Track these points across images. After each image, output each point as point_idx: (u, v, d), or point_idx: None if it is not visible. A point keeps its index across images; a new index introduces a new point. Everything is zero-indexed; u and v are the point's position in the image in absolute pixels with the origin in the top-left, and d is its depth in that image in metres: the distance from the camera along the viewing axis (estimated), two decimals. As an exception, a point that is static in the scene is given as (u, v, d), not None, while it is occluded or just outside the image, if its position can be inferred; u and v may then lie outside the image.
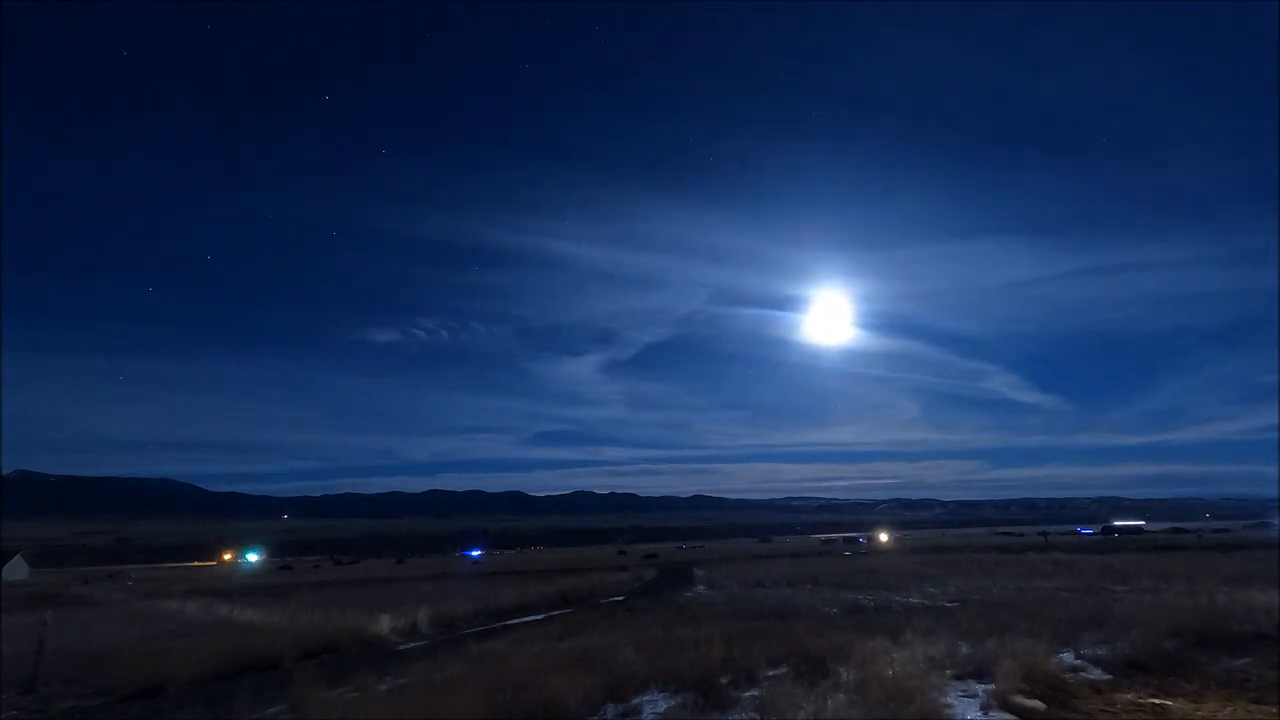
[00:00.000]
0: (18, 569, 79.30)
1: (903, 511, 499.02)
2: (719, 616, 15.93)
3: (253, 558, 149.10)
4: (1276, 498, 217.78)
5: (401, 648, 14.75)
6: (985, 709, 6.66)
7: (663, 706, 7.32)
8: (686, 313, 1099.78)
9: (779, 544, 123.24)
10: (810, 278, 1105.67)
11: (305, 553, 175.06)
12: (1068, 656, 8.80)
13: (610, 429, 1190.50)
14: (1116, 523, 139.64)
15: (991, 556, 40.49)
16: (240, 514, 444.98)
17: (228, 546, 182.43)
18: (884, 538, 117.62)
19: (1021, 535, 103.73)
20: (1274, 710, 6.26)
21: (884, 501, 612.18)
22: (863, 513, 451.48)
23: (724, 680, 8.08)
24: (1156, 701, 6.67)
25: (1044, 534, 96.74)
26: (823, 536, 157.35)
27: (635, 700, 7.57)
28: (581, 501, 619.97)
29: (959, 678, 7.91)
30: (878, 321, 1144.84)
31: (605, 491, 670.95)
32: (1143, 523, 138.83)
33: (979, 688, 7.38)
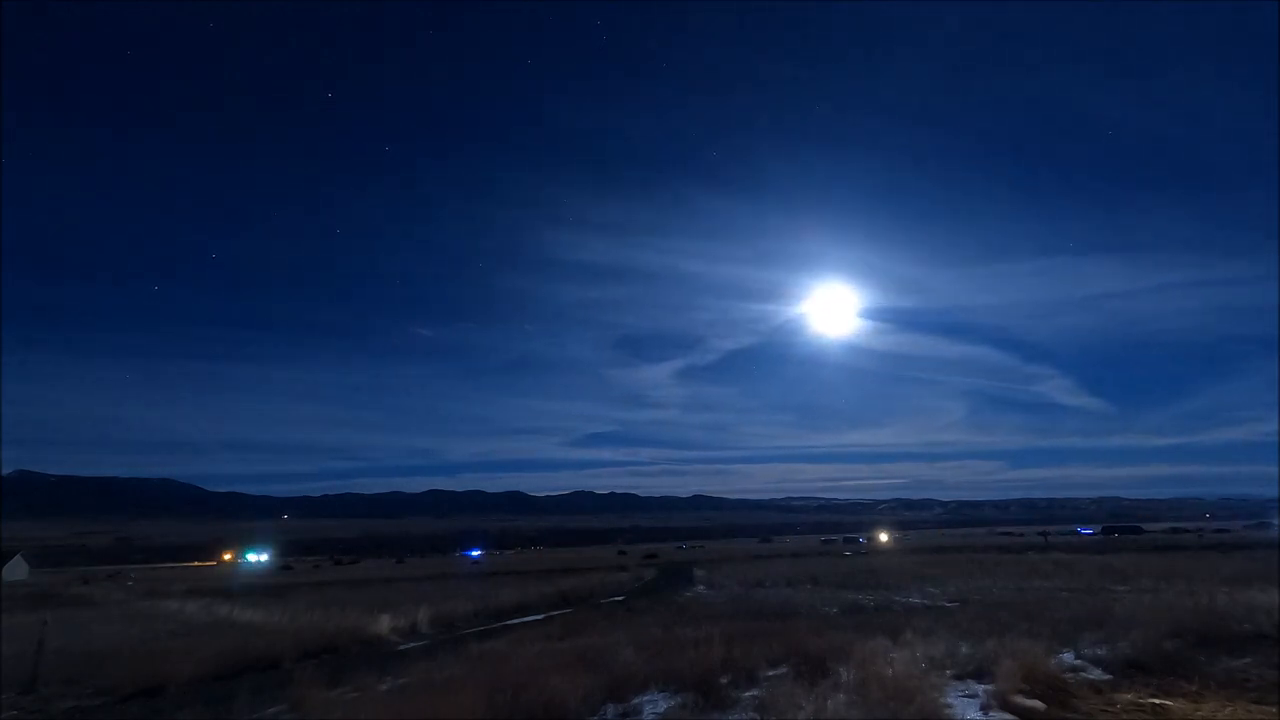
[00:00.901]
0: (18, 569, 79.32)
1: (903, 511, 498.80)
2: (719, 616, 15.93)
3: (254, 557, 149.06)
4: (1276, 498, 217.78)
5: (401, 648, 14.75)
6: (985, 709, 6.66)
7: (663, 706, 7.32)
8: (781, 322, 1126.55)
9: (779, 544, 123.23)
10: (893, 290, 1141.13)
11: (305, 553, 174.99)
12: (1068, 656, 8.80)
13: (656, 430, 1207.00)
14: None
15: (991, 556, 40.49)
16: (240, 514, 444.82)
17: (228, 546, 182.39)
18: (884, 538, 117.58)
19: (1021, 535, 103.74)
20: (1274, 710, 6.26)
21: (884, 501, 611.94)
22: (863, 513, 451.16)
23: (724, 680, 8.08)
24: (1156, 701, 6.67)
25: (1044, 534, 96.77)
26: (823, 537, 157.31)
27: (635, 700, 7.57)
28: (581, 501, 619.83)
29: (959, 678, 7.91)
30: (946, 329, 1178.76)
31: (605, 491, 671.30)
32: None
33: (979, 688, 7.38)
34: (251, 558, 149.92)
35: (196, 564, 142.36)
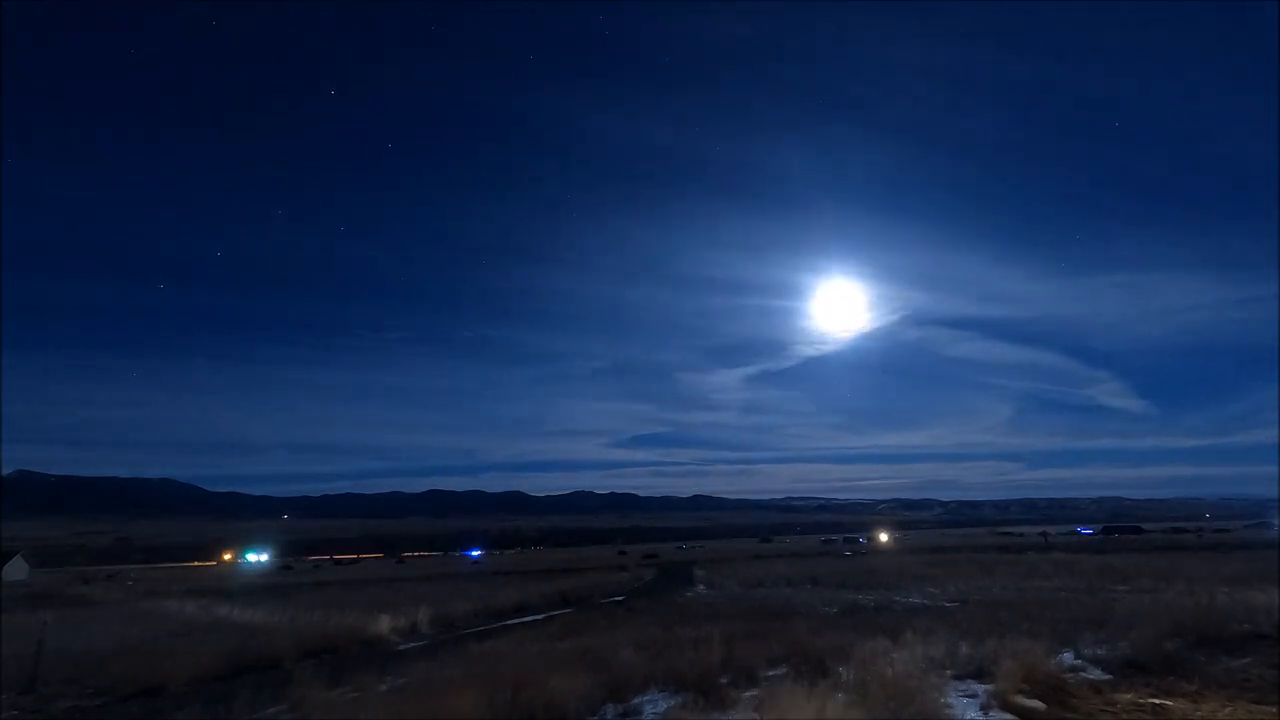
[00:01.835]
0: (18, 569, 79.28)
1: (903, 512, 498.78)
2: (719, 616, 15.94)
3: (254, 558, 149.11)
4: (1276, 498, 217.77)
5: (401, 648, 14.76)
6: (985, 709, 6.67)
7: (663, 706, 7.32)
8: (870, 330, 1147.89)
9: (779, 544, 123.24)
10: (970, 299, 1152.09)
11: (305, 553, 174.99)
12: (1068, 656, 8.80)
13: (704, 431, 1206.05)
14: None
15: (991, 556, 40.50)
16: (240, 514, 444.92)
17: (228, 547, 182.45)
18: (884, 538, 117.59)
19: (1021, 535, 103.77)
20: (1274, 710, 6.26)
21: (884, 501, 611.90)
22: (863, 513, 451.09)
23: (724, 680, 8.09)
24: (1156, 701, 6.67)
25: (1044, 534, 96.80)
26: (823, 537, 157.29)
27: (635, 700, 7.57)
28: (581, 501, 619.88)
29: (959, 678, 7.92)
30: (1017, 335, 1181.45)
31: (605, 491, 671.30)
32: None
33: (979, 688, 7.38)
34: (251, 558, 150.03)
35: (196, 564, 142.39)
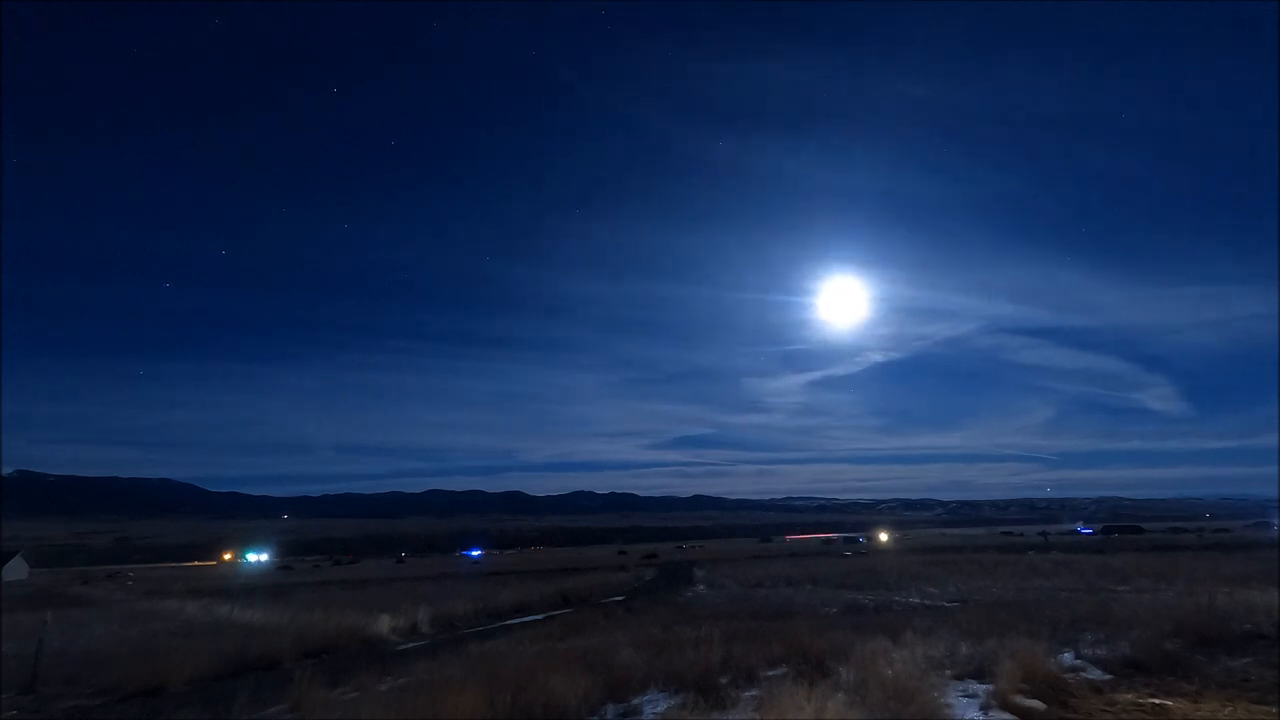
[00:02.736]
0: (18, 569, 79.28)
1: (903, 511, 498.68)
2: (719, 616, 15.93)
3: (254, 557, 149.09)
4: (1276, 498, 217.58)
5: (401, 648, 14.77)
6: (985, 709, 6.66)
7: (662, 706, 7.32)
8: (945, 337, 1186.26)
9: (779, 544, 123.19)
10: (1044, 308, 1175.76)
11: (305, 553, 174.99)
12: (1068, 656, 8.80)
13: (746, 433, 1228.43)
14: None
15: (991, 556, 40.49)
16: (240, 514, 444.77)
17: (228, 547, 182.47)
18: (884, 538, 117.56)
19: (1021, 535, 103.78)
20: (1274, 710, 6.25)
21: (884, 501, 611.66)
22: (863, 513, 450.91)
23: (724, 680, 8.09)
24: (1156, 701, 6.66)
25: (1044, 534, 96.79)
26: (823, 537, 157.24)
27: (635, 700, 7.57)
28: (581, 501, 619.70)
29: (959, 678, 7.91)
30: (1081, 341, 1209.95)
31: (605, 491, 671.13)
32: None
33: (979, 688, 7.38)
34: (251, 558, 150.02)
35: (196, 564, 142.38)
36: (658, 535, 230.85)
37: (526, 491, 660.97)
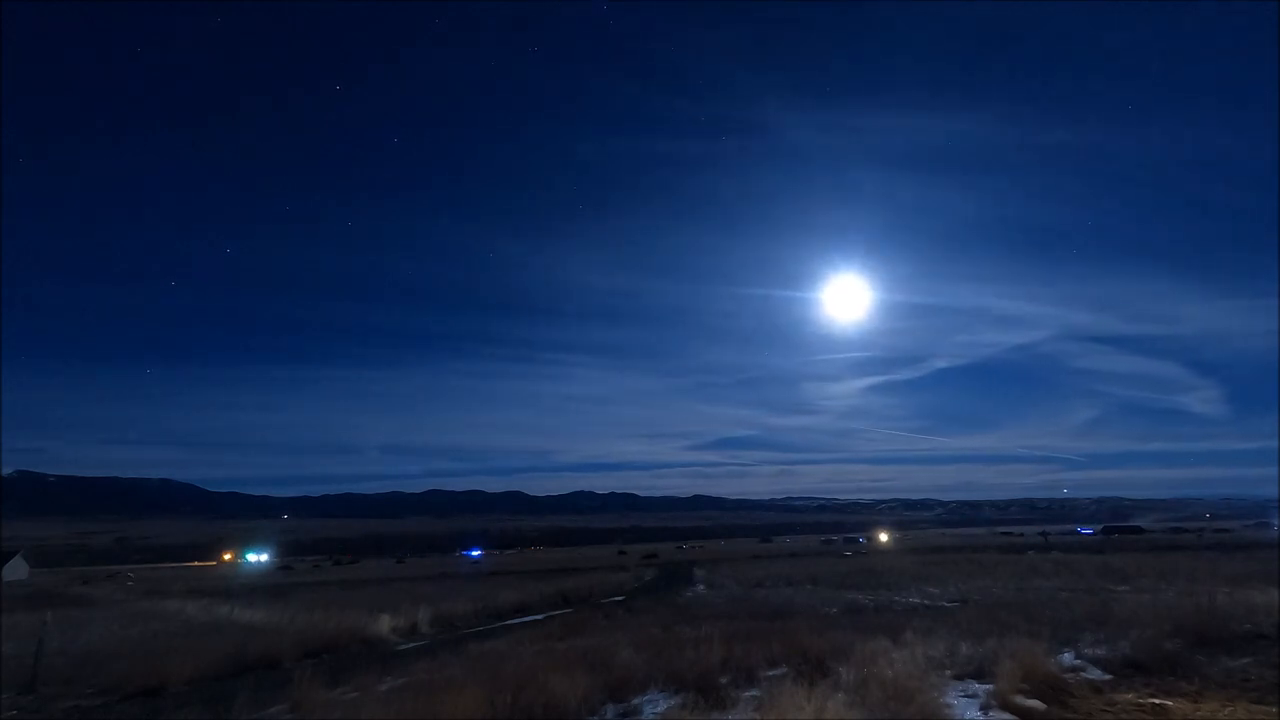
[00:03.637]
0: (18, 569, 79.28)
1: (903, 511, 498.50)
2: (719, 616, 15.92)
3: (254, 558, 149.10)
4: (1276, 498, 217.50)
5: (401, 648, 14.76)
6: (985, 709, 6.66)
7: (662, 706, 7.31)
8: (1016, 344, 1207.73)
9: (779, 544, 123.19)
10: (1115, 316, 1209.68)
11: (305, 553, 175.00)
12: (1068, 656, 8.80)
13: (789, 435, 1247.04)
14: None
15: (991, 556, 40.45)
16: (240, 514, 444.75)
17: (228, 547, 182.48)
18: (884, 538, 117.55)
19: (1021, 535, 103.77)
20: (1274, 710, 6.25)
21: (884, 501, 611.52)
22: (863, 513, 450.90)
23: (724, 680, 8.09)
24: (1156, 701, 6.66)
25: (1044, 534, 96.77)
26: (823, 537, 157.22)
27: (635, 700, 7.57)
28: (581, 501, 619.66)
29: (959, 678, 7.91)
30: (1144, 349, 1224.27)
31: (605, 491, 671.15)
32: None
33: (979, 687, 7.38)
34: (251, 558, 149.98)
35: (196, 564, 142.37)
36: (658, 535, 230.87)
37: (527, 491, 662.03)
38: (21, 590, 50.86)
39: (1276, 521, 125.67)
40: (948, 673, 8.08)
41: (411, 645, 15.12)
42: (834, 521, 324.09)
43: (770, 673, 8.45)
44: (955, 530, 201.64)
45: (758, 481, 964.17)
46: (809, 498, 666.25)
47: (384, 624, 16.57)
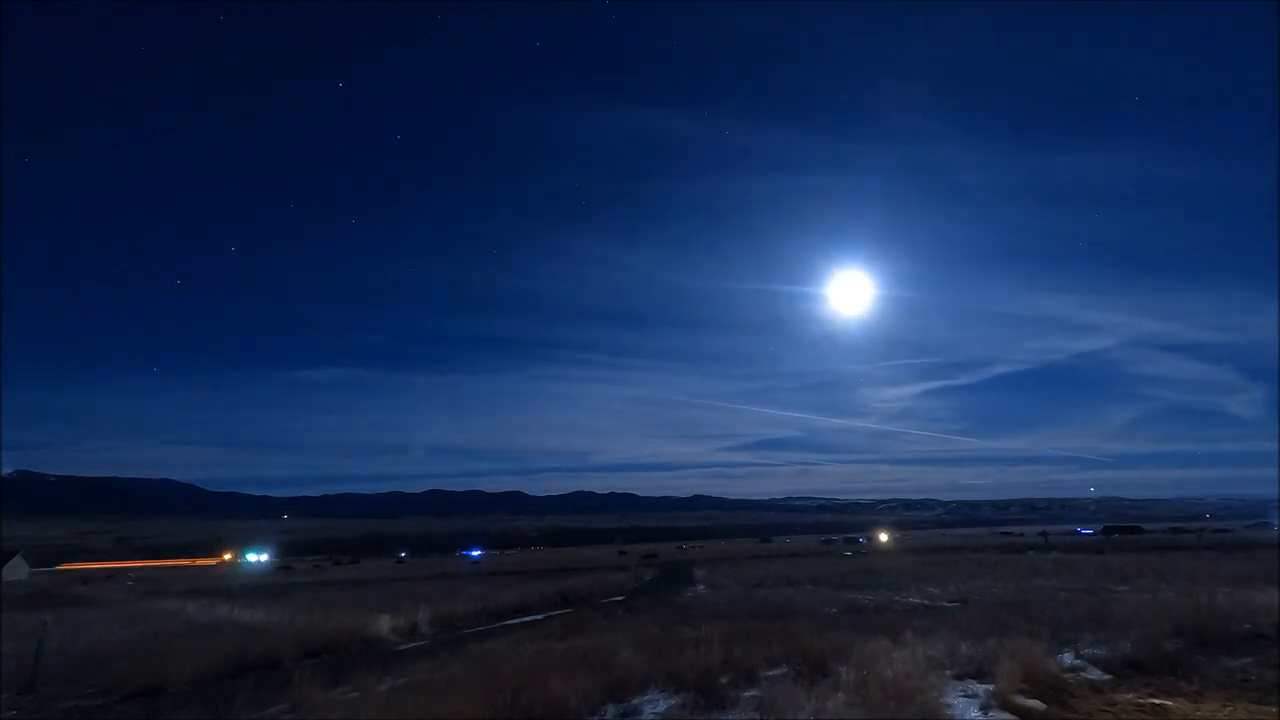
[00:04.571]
0: (18, 569, 79.29)
1: (903, 512, 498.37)
2: (719, 616, 15.92)
3: (253, 558, 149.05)
4: (1276, 498, 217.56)
5: (401, 648, 14.76)
6: (985, 709, 6.66)
7: (662, 706, 7.31)
8: (1080, 351, 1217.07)
9: (779, 544, 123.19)
10: (1184, 323, 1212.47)
11: (305, 553, 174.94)
12: (1068, 656, 8.80)
13: (831, 437, 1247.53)
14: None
15: (991, 556, 40.47)
16: (240, 514, 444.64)
17: (227, 547, 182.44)
18: (884, 538, 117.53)
19: (1022, 535, 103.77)
20: (1274, 710, 6.26)
21: (884, 501, 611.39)
22: (863, 513, 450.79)
23: (724, 680, 8.08)
24: (1156, 702, 6.66)
25: (1044, 534, 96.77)
26: (823, 537, 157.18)
27: (635, 700, 7.56)
28: (581, 501, 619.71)
29: (959, 678, 7.91)
30: (1202, 354, 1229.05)
31: (605, 491, 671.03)
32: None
33: (979, 688, 7.38)
34: (251, 558, 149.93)
35: (196, 564, 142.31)
36: (658, 535, 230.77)
37: (525, 491, 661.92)
38: (21, 590, 50.87)
39: (1276, 521, 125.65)
40: (948, 673, 8.08)
41: (411, 645, 15.12)
42: (834, 521, 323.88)
43: (770, 673, 8.45)
44: (955, 530, 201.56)
45: (776, 481, 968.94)
46: (809, 498, 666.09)
47: (384, 624, 16.56)
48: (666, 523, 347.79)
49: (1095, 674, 7.97)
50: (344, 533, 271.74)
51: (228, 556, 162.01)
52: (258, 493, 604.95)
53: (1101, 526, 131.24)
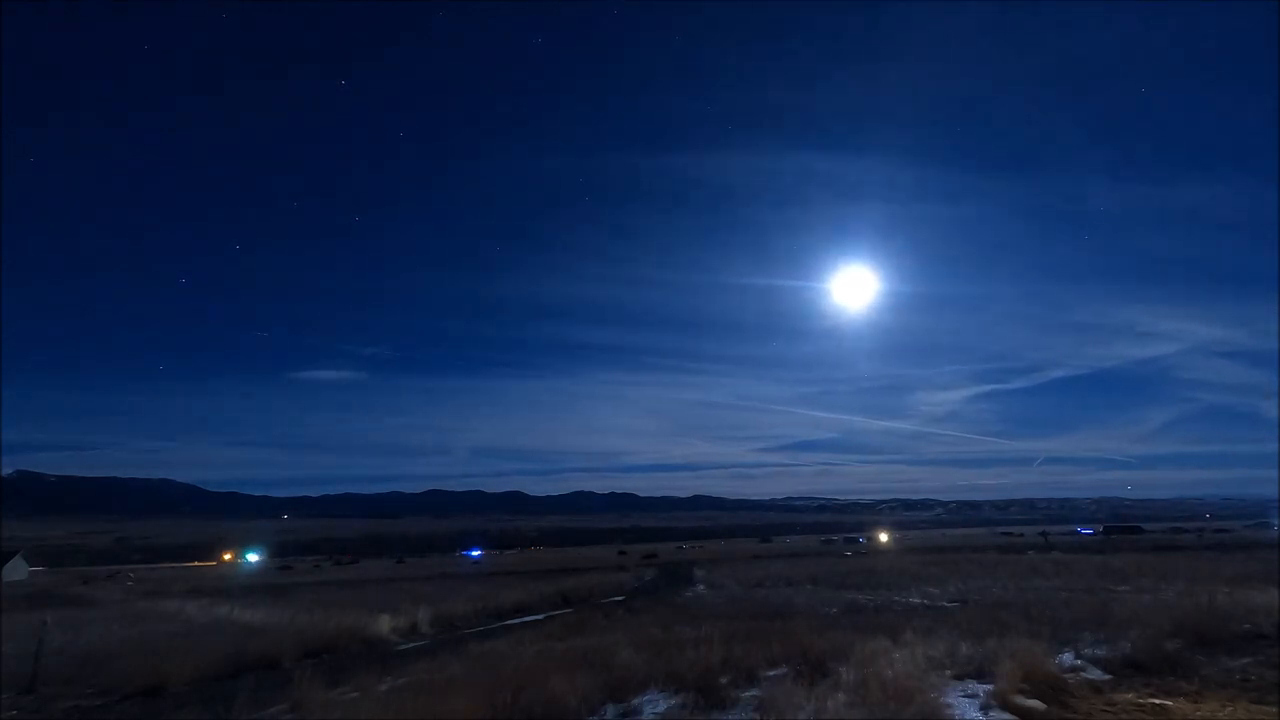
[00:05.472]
0: (18, 569, 79.27)
1: (903, 512, 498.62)
2: (719, 616, 15.92)
3: (254, 558, 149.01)
4: (1276, 498, 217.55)
5: (401, 648, 14.76)
6: (985, 709, 6.67)
7: (662, 706, 7.32)
8: (1140, 358, 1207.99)
9: (779, 544, 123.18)
10: (1247, 330, 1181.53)
11: (305, 553, 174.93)
12: (1068, 656, 8.80)
13: (870, 438, 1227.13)
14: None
15: (991, 556, 40.43)
16: (240, 514, 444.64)
17: (228, 547, 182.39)
18: (884, 538, 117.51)
19: (1021, 535, 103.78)
20: (1274, 710, 6.26)
21: (884, 501, 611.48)
22: (863, 513, 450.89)
23: (724, 680, 8.09)
24: (1156, 701, 6.67)
25: (1044, 534, 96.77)
26: (823, 537, 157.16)
27: (635, 700, 7.57)
28: (581, 501, 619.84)
29: (959, 678, 7.92)
30: (1256, 360, 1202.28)
31: (605, 491, 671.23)
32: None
33: (979, 688, 7.38)
34: (251, 558, 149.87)
35: (196, 564, 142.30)
36: (658, 535, 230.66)
37: (525, 491, 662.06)
38: (21, 590, 50.86)
39: (1276, 521, 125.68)
40: (948, 673, 8.09)
41: (411, 645, 15.12)
42: (835, 522, 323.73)
43: (770, 673, 8.45)
44: (955, 530, 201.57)
45: (793, 481, 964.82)
46: (809, 498, 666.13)
47: (384, 624, 16.56)
48: (666, 523, 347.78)
49: (1095, 674, 7.98)
50: (344, 533, 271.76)
51: (228, 557, 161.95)
52: (258, 493, 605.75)
53: (1102, 527, 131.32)
